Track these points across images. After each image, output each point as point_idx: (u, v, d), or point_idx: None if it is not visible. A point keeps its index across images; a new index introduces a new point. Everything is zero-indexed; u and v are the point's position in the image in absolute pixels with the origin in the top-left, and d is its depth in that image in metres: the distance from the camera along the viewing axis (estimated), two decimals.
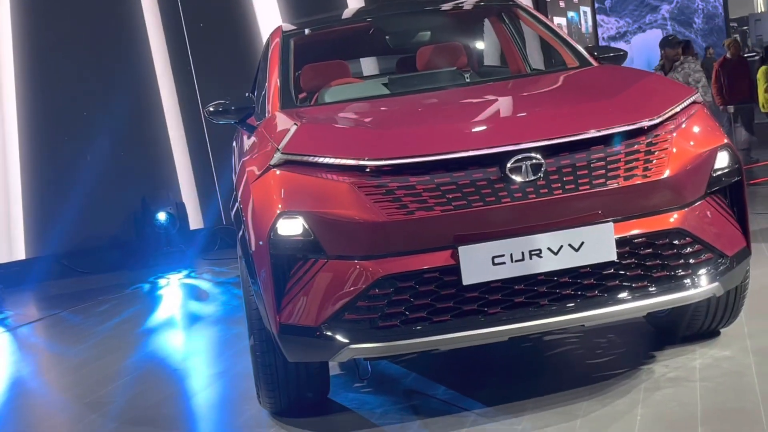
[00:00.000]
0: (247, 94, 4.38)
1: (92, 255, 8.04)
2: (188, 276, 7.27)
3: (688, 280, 3.13)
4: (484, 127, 3.23)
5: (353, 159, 3.08)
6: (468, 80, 4.52)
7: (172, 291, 6.87)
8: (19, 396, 4.49)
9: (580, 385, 3.38)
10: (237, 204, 3.51)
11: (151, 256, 7.93)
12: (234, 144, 5.54)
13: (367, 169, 3.05)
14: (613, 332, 3.98)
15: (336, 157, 3.11)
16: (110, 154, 8.18)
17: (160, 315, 6.04)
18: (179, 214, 8.20)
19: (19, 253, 7.99)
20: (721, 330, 3.75)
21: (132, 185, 8.26)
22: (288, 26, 4.73)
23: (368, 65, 6.61)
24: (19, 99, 8.04)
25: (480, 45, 5.57)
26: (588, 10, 18.11)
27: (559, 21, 15.13)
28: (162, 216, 8.04)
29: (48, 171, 8.06)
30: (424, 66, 4.74)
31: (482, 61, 5.62)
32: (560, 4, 15.77)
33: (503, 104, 3.56)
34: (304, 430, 3.35)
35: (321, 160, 3.14)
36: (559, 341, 3.99)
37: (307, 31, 4.68)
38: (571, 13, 16.64)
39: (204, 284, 6.87)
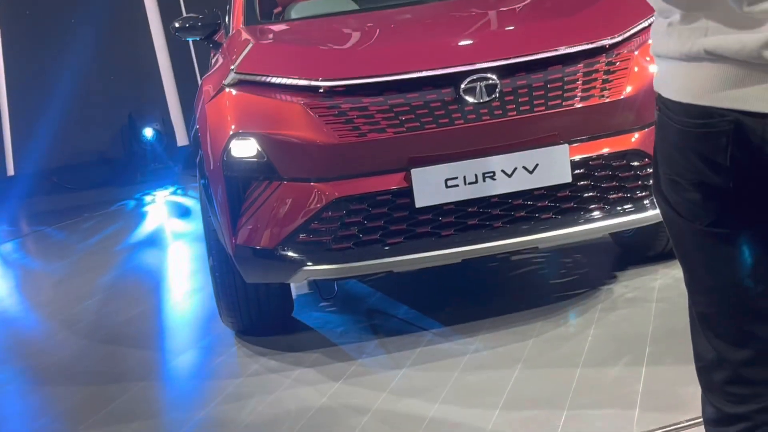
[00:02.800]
0: (215, 10, 4.29)
1: (80, 171, 8.03)
2: (174, 193, 7.28)
3: (647, 201, 3.11)
4: (439, 47, 3.17)
5: (306, 79, 3.04)
6: None
7: (156, 208, 6.89)
8: None
9: (538, 305, 3.40)
10: (194, 125, 3.48)
11: (138, 173, 7.92)
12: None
13: (321, 90, 3.02)
14: (579, 252, 3.98)
15: (289, 77, 3.07)
16: (96, 70, 8.09)
17: (142, 232, 6.07)
18: (166, 130, 8.16)
19: (9, 170, 8.00)
20: None
21: (119, 102, 8.19)
22: None
23: None
24: (3, 17, 7.91)
25: None
26: None
27: None
28: (149, 132, 8.01)
29: (34, 87, 7.99)
30: None
31: None
32: None
33: (462, 23, 3.48)
34: (266, 349, 3.39)
35: (274, 80, 3.10)
36: (525, 261, 4.00)
37: None
38: None
39: (189, 201, 6.87)
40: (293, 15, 4.14)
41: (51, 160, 7.93)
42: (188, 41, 8.46)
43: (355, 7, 4.14)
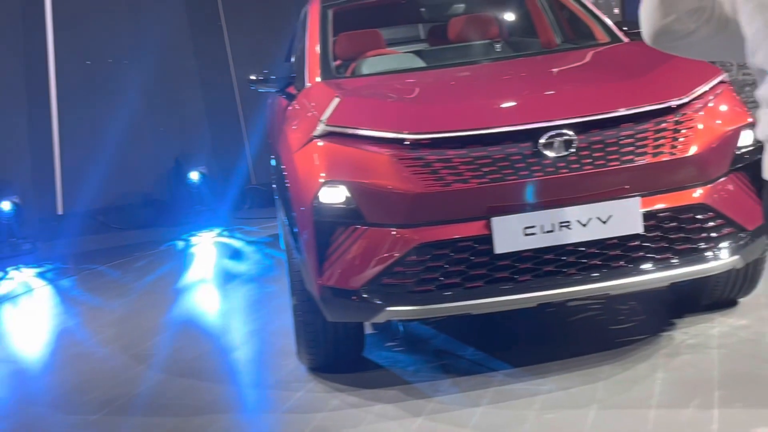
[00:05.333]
0: (285, 62, 4.54)
1: (126, 212, 8.27)
2: (220, 234, 7.49)
3: (710, 253, 3.29)
4: (518, 104, 3.39)
5: (393, 132, 3.25)
6: (499, 50, 4.66)
7: (205, 249, 7.10)
8: (69, 346, 4.73)
9: (602, 349, 3.56)
10: (280, 171, 3.69)
11: (183, 214, 8.14)
12: (270, 108, 5.71)
13: (407, 142, 3.23)
14: (634, 300, 4.15)
15: (377, 130, 3.29)
16: (144, 113, 8.37)
17: (195, 272, 6.27)
18: (210, 173, 8.40)
19: (57, 209, 8.24)
20: (739, 300, 3.91)
21: (165, 145, 8.46)
22: None
23: (400, 30, 6.73)
24: (57, 57, 8.21)
25: (510, 16, 5.68)
26: None
27: None
28: (194, 175, 8.25)
29: (85, 129, 8.27)
30: (456, 36, 4.88)
31: (512, 32, 5.74)
32: None
33: (536, 80, 3.71)
34: (342, 385, 3.56)
35: (362, 132, 3.31)
36: (582, 307, 4.17)
37: (345, 2, 4.82)
38: None
39: (236, 243, 7.08)
40: (364, 70, 4.39)
41: (98, 200, 8.16)
42: (233, 89, 8.77)
43: (423, 64, 4.38)
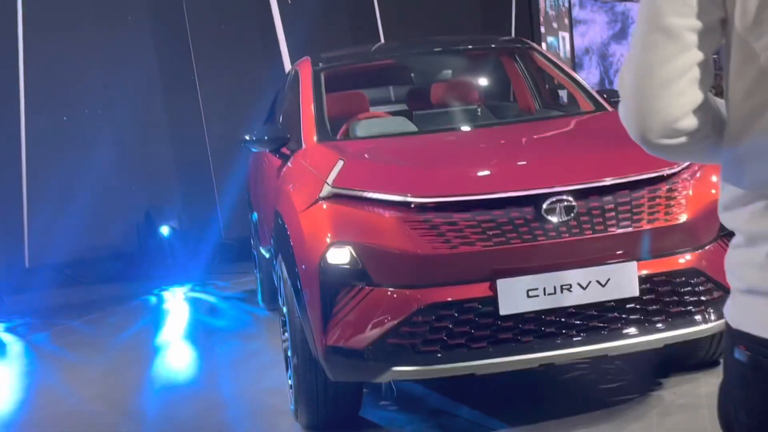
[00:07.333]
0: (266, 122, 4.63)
1: (95, 265, 8.19)
2: (193, 290, 7.46)
3: (699, 316, 3.43)
4: (520, 170, 3.52)
5: (400, 195, 3.35)
6: (480, 115, 4.84)
7: (178, 304, 7.06)
8: (52, 404, 4.66)
9: (595, 408, 3.66)
10: (283, 231, 3.74)
11: (153, 268, 8.09)
12: (255, 166, 5.78)
13: (412, 206, 3.32)
14: (619, 359, 4.26)
15: (384, 193, 3.38)
16: (115, 166, 8.35)
17: (172, 328, 6.23)
18: (181, 227, 8.39)
19: (25, 262, 8.13)
20: (721, 360, 4.04)
21: (136, 198, 8.43)
22: (317, 59, 4.97)
23: (371, 92, 6.88)
24: (27, 107, 8.18)
25: (490, 81, 5.86)
26: (566, 35, 18.59)
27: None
28: (165, 230, 8.23)
29: (54, 180, 8.21)
30: (439, 100, 5.05)
31: (490, 97, 5.92)
32: (540, 29, 16.20)
33: (533, 147, 3.86)
34: None
35: (369, 195, 3.40)
36: (571, 366, 4.26)
37: (336, 64, 4.95)
38: (550, 38, 17.11)
39: (210, 298, 7.06)
40: (359, 133, 4.49)
41: (66, 253, 8.07)
42: (206, 144, 8.81)
43: (414, 129, 4.51)
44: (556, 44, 17.92)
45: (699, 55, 1.19)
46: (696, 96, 1.21)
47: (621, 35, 12.69)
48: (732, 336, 1.16)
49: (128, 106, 8.40)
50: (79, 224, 8.02)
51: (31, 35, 8.19)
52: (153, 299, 7.23)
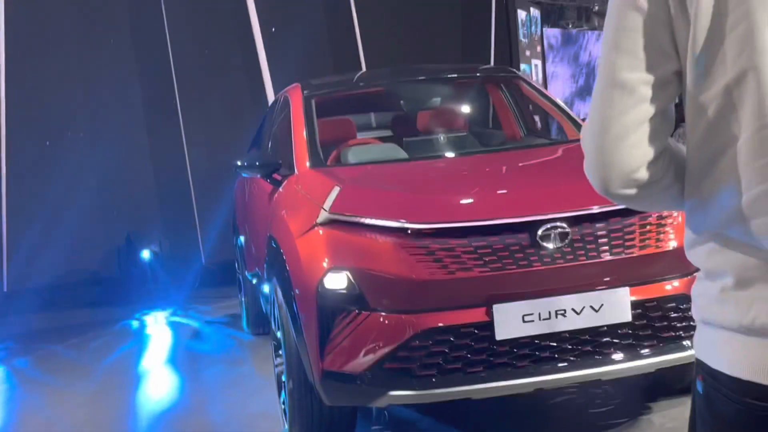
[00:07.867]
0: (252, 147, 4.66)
1: (75, 290, 8.14)
2: (174, 314, 7.43)
3: (689, 341, 3.49)
4: (516, 197, 3.59)
5: (397, 222, 3.39)
6: (468, 142, 4.92)
7: (161, 329, 7.03)
8: (40, 429, 4.63)
9: None
10: (278, 256, 3.77)
11: (133, 293, 8.06)
12: (242, 191, 5.80)
13: (410, 231, 3.37)
14: (608, 383, 4.31)
15: (381, 219, 3.42)
16: (95, 190, 8.32)
17: (156, 353, 6.20)
18: (162, 251, 8.37)
19: (3, 286, 8.06)
20: None
21: (116, 222, 8.41)
22: (306, 85, 5.03)
23: (361, 117, 6.95)
24: (7, 131, 8.15)
25: (474, 109, 5.95)
26: (539, 62, 18.85)
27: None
28: (146, 254, 8.21)
29: (33, 204, 8.17)
30: (425, 127, 5.13)
31: (475, 124, 6.01)
32: (518, 56, 16.44)
33: (527, 174, 3.93)
34: None
35: (366, 221, 3.44)
36: (559, 391, 4.31)
37: (326, 91, 5.01)
38: (523, 66, 17.35)
39: (193, 322, 7.03)
40: (351, 159, 4.54)
41: (45, 277, 8.02)
42: (187, 169, 8.82)
43: (405, 155, 4.57)
44: (529, 71, 18.18)
45: (653, 108, 1.21)
46: (652, 147, 1.22)
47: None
48: (696, 365, 1.20)
49: (110, 130, 8.41)
50: (60, 248, 7.99)
51: (12, 58, 8.18)
52: (135, 324, 7.19)
